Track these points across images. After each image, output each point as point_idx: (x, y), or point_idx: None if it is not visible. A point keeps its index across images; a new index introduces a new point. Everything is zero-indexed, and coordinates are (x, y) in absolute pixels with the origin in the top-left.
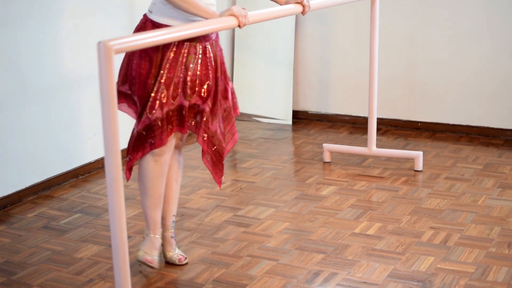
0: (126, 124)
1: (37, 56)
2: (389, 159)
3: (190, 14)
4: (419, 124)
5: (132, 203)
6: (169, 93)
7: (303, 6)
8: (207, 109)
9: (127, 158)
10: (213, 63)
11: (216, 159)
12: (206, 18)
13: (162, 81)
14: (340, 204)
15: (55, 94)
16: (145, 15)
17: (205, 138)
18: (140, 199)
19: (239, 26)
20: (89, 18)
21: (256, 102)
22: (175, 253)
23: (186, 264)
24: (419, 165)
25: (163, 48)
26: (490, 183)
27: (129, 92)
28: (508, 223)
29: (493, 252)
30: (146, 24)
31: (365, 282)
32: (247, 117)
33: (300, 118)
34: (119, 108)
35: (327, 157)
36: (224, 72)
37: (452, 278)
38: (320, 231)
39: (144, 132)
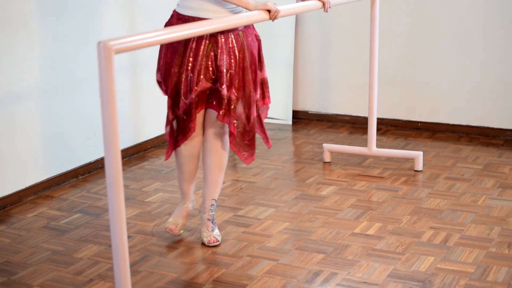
0: (126, 124)
1: (36, 56)
2: (389, 159)
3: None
4: (419, 124)
5: (132, 203)
6: (194, 79)
7: (323, 3)
8: (233, 97)
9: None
10: (236, 53)
11: (239, 140)
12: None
13: (189, 69)
14: (340, 204)
15: (55, 94)
16: (174, 10)
17: (235, 124)
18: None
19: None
20: (89, 18)
21: None
22: (210, 235)
23: (217, 245)
24: (419, 165)
25: (185, 39)
26: (490, 183)
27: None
28: (508, 223)
29: (493, 252)
30: (172, 19)
31: (365, 282)
32: None
33: (300, 118)
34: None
35: (327, 157)
36: (254, 63)
37: (452, 278)
38: (320, 231)
39: (184, 117)
